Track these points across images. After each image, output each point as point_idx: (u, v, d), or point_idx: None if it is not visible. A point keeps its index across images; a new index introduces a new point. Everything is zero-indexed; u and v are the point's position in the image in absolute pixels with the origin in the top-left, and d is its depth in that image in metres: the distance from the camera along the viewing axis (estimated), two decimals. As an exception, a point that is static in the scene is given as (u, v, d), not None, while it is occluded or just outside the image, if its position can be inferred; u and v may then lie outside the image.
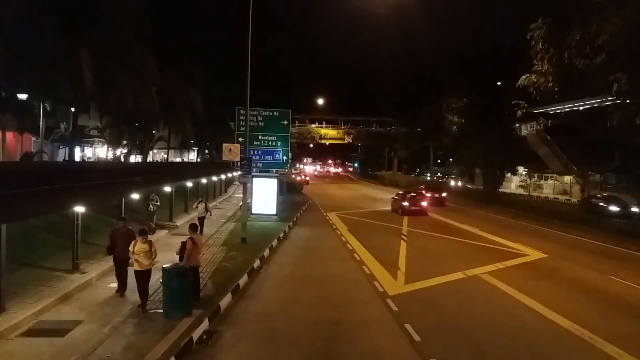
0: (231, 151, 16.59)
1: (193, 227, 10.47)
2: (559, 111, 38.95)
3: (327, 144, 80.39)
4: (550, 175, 49.11)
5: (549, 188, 49.31)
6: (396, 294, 11.07)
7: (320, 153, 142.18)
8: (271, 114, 24.38)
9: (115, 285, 11.16)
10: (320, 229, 22.05)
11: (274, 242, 17.25)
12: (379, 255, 15.64)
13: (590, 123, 25.45)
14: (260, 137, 24.06)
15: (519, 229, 22.51)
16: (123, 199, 14.98)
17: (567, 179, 47.93)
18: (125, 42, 24.25)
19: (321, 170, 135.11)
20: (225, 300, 10.00)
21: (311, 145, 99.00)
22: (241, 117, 23.27)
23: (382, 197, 42.09)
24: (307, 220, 25.19)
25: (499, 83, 35.94)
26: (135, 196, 16.07)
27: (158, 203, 17.82)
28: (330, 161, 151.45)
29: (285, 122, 24.56)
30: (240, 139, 22.99)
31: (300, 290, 11.42)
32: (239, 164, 17.42)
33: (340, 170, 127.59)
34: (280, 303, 10.27)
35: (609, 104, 16.88)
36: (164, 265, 9.18)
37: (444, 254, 16.17)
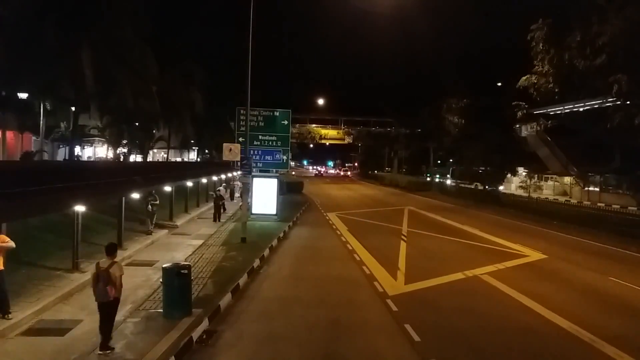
0: (231, 151, 16.60)
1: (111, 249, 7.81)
2: (559, 112, 38.90)
3: (327, 144, 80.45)
4: (550, 176, 49.16)
5: (548, 189, 49.36)
6: (396, 294, 11.07)
7: (320, 153, 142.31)
8: (271, 114, 24.41)
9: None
10: (320, 229, 22.05)
11: (274, 242, 17.25)
12: (379, 255, 15.63)
13: (591, 124, 25.46)
14: (260, 137, 24.07)
15: (518, 230, 22.52)
16: (123, 198, 14.99)
17: (567, 180, 47.98)
18: (125, 41, 24.29)
19: (325, 171, 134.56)
20: (225, 300, 10.00)
21: (311, 146, 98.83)
22: (241, 117, 23.39)
23: (382, 198, 42.16)
24: (307, 220, 25.18)
25: (499, 84, 35.87)
26: (135, 195, 16.09)
27: (157, 202, 17.81)
28: (337, 162, 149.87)
29: (286, 122, 24.57)
30: (240, 139, 22.92)
31: (300, 290, 11.42)
32: (239, 163, 17.44)
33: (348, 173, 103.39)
34: (280, 303, 10.28)
35: (609, 105, 16.91)
36: (164, 265, 9.18)
37: (444, 255, 16.18)
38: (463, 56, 52.03)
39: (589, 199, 40.81)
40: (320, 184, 64.36)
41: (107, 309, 7.36)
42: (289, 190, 43.28)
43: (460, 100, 40.67)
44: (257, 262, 13.80)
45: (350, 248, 17.03)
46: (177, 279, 8.80)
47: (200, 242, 17.32)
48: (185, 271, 8.95)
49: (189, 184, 25.64)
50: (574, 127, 36.81)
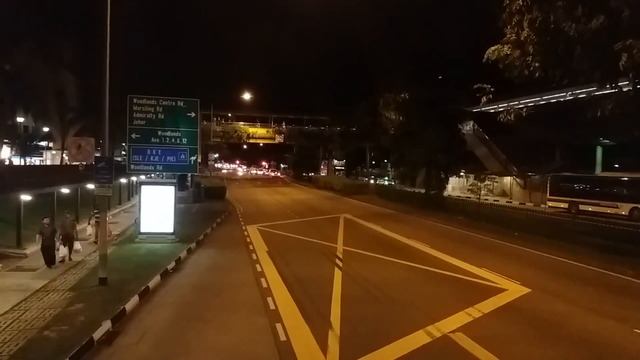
0: (81, 149, 10.97)
1: None
2: (531, 104, 36.01)
3: (261, 144, 75.11)
4: (488, 176, 47.13)
5: (487, 190, 47.27)
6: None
7: (254, 154, 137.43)
8: (174, 104, 19.21)
9: None
10: (231, 251, 16.91)
11: (154, 280, 11.93)
12: (303, 297, 10.86)
13: (575, 114, 22.29)
14: (160, 132, 18.89)
15: (477, 245, 18.63)
16: None
17: (507, 180, 46.15)
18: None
19: (257, 172, 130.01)
20: None
21: (245, 147, 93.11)
22: (134, 108, 18.31)
23: (315, 203, 37.54)
24: (218, 237, 19.94)
25: (447, 72, 32.12)
26: None
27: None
28: (264, 163, 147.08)
29: (193, 115, 19.37)
30: (133, 135, 18.33)
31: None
32: (99, 169, 11.64)
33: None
34: None
35: (593, 90, 13.59)
36: None
37: (393, 292, 11.64)
38: (404, 42, 46.69)
39: (531, 199, 38.84)
40: (249, 188, 58.84)
41: None
42: (208, 196, 37.65)
43: (398, 93, 36.79)
44: (104, 327, 8.52)
45: (264, 285, 12.09)
46: None
47: (42, 283, 11.77)
48: None
49: (65, 190, 19.91)
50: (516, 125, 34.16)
